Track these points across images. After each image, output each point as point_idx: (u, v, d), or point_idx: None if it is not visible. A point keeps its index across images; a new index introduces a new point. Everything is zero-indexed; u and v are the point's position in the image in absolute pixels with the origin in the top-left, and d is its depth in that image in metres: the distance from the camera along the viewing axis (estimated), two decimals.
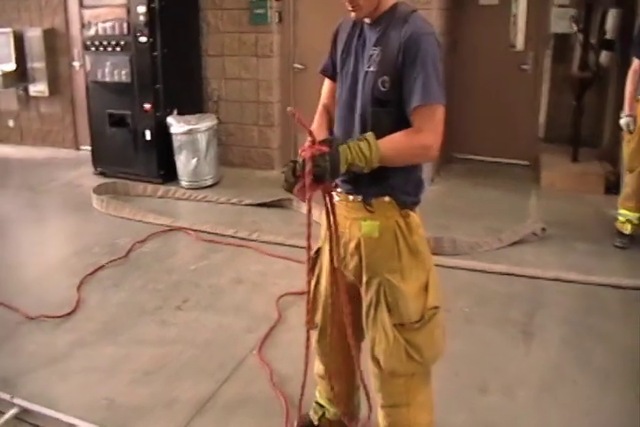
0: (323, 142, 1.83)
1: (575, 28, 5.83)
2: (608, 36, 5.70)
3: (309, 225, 1.91)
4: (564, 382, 2.93)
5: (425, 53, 1.87)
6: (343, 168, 1.81)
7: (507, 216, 5.07)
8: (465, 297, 3.73)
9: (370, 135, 1.85)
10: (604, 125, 6.29)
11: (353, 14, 1.98)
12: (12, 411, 2.71)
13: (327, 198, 1.97)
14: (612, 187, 5.63)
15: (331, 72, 2.19)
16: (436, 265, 3.92)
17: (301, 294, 3.45)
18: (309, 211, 1.91)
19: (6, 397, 2.78)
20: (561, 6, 6.08)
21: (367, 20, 2.00)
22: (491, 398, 2.82)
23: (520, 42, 6.27)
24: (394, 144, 1.87)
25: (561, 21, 5.96)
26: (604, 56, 5.86)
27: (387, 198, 1.98)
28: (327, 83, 2.25)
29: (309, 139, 1.83)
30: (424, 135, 1.88)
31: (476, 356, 3.14)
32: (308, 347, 2.08)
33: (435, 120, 1.90)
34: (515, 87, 6.54)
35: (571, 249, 4.47)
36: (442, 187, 5.98)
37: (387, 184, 1.98)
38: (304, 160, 1.79)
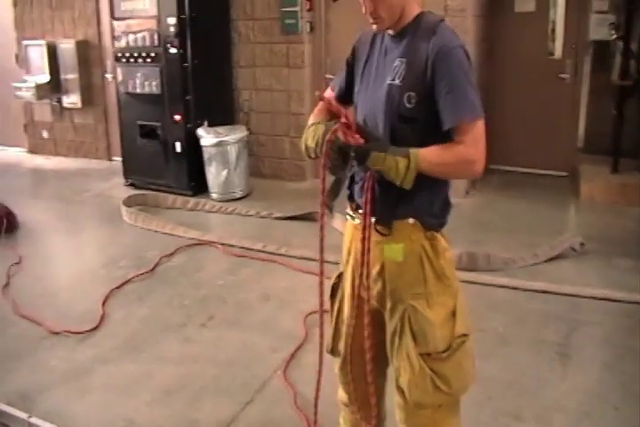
0: (362, 131, 1.72)
1: (615, 35, 5.67)
2: None
3: (322, 216, 1.83)
4: (604, 409, 2.77)
5: (458, 68, 1.76)
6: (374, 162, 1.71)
7: (544, 230, 4.91)
8: (499, 316, 3.59)
9: (415, 154, 1.73)
10: None
11: (375, 26, 1.87)
12: None
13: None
14: None
15: (338, 92, 2.10)
16: (470, 282, 3.84)
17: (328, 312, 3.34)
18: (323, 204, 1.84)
19: (24, 416, 2.76)
20: (600, 13, 5.92)
21: (390, 32, 1.89)
22: (526, 425, 2.67)
23: (558, 50, 6.12)
24: (436, 159, 1.76)
25: (600, 28, 5.81)
26: None
27: (411, 220, 1.86)
28: (330, 94, 2.13)
29: (343, 120, 1.73)
30: (469, 150, 1.77)
31: (511, 379, 3.00)
32: (320, 365, 2.00)
33: (477, 136, 1.79)
34: (553, 96, 6.38)
35: (611, 265, 4.28)
36: (477, 200, 5.84)
37: (411, 206, 1.86)
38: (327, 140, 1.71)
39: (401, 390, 1.93)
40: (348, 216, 2.04)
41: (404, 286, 1.89)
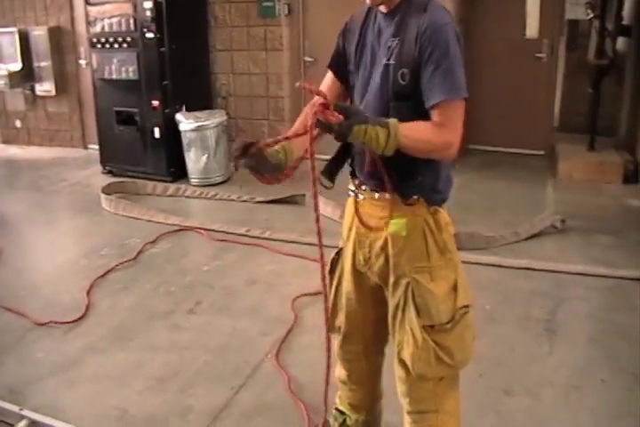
0: (340, 109, 1.70)
1: (591, 15, 5.70)
2: (625, 21, 5.58)
3: (316, 195, 1.81)
4: (591, 382, 2.83)
5: (445, 46, 1.76)
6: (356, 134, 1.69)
7: (524, 209, 4.96)
8: (486, 294, 3.61)
9: (393, 123, 1.72)
10: (621, 114, 6.17)
11: (368, 1, 1.87)
12: (22, 423, 2.64)
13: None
14: (631, 176, 5.54)
15: (338, 69, 2.07)
16: None
17: (317, 294, 3.35)
18: (316, 195, 1.81)
19: (15, 409, 2.71)
20: None
21: (383, 10, 1.88)
22: (516, 399, 2.72)
23: (534, 30, 6.15)
24: (416, 134, 1.76)
25: (576, 8, 5.86)
26: (621, 42, 5.74)
27: (414, 196, 1.88)
28: (329, 76, 2.12)
29: (320, 100, 1.71)
30: (446, 131, 1.77)
31: (500, 356, 3.04)
32: (329, 350, 1.99)
33: (456, 116, 1.79)
34: (530, 76, 6.44)
35: (592, 242, 4.35)
36: (457, 180, 5.70)
37: (416, 182, 1.88)
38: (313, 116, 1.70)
39: (403, 364, 1.96)
40: (350, 192, 2.05)
41: (407, 260, 1.91)
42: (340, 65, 2.05)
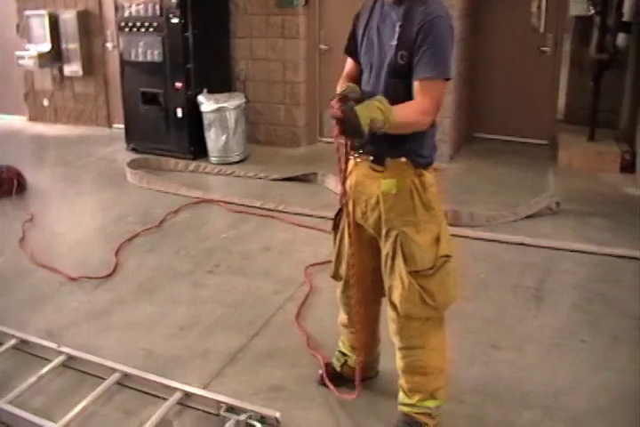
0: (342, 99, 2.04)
1: (592, 11, 5.90)
2: (625, 18, 5.77)
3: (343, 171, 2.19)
4: (572, 342, 3.10)
5: (437, 33, 2.10)
6: (366, 126, 1.97)
7: (523, 193, 5.20)
8: (481, 265, 3.92)
9: (379, 97, 2.07)
10: (621, 106, 6.39)
11: None
12: (60, 358, 2.92)
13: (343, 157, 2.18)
14: (628, 166, 5.74)
15: (353, 52, 2.39)
16: (455, 235, 4.15)
17: (324, 263, 3.62)
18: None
19: (53, 346, 3.00)
20: None
21: (390, 0, 2.21)
22: (503, 353, 3.01)
23: (540, 24, 6.35)
24: (401, 111, 2.07)
25: (579, 4, 6.04)
26: (622, 38, 5.94)
27: (403, 159, 2.21)
28: (349, 61, 2.45)
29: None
30: (424, 102, 2.11)
31: (490, 316, 3.34)
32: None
33: (435, 92, 2.13)
34: (535, 68, 6.64)
35: (585, 223, 4.60)
36: (461, 165, 6.13)
37: (404, 147, 2.21)
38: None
39: (394, 305, 2.28)
40: (350, 157, 2.33)
41: (396, 215, 2.23)
42: (353, 48, 2.39)
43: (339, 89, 2.24)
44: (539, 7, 6.41)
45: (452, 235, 4.03)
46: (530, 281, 3.74)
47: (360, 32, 2.33)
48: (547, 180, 5.73)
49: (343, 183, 2.25)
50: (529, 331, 3.22)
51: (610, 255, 4.05)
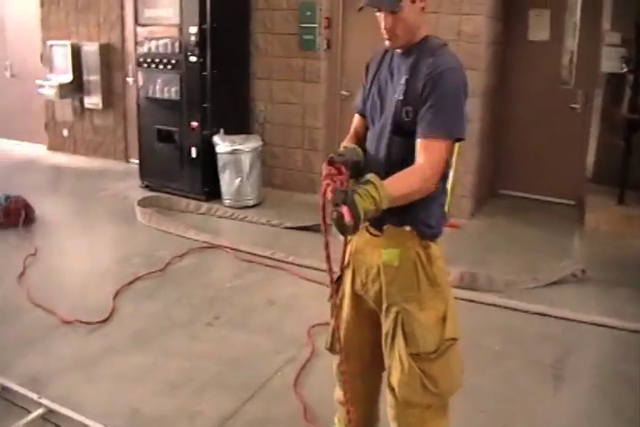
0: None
1: (625, 69, 5.75)
2: None
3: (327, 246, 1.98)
4: None
5: (444, 87, 1.91)
6: (361, 221, 1.76)
7: (546, 256, 4.98)
8: (496, 335, 3.68)
9: (372, 176, 1.82)
10: None
11: (388, 43, 2.03)
12: (39, 411, 2.80)
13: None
14: None
15: (361, 109, 2.23)
16: (470, 301, 3.94)
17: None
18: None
19: (34, 396, 2.88)
20: (611, 45, 5.97)
21: (399, 50, 2.05)
22: None
23: (572, 78, 6.20)
24: (398, 183, 1.86)
25: (611, 61, 5.87)
26: None
27: (407, 228, 2.00)
28: (357, 116, 2.28)
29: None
30: (424, 166, 1.89)
31: (503, 394, 3.10)
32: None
33: (437, 154, 1.90)
34: (563, 125, 6.47)
35: (610, 294, 4.36)
36: (482, 222, 5.93)
37: (408, 215, 1.99)
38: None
39: (392, 389, 2.05)
40: None
41: (398, 290, 2.02)
42: (361, 102, 2.22)
43: (341, 148, 2.07)
44: (570, 61, 6.25)
45: (467, 300, 3.88)
46: (549, 356, 3.49)
47: (367, 85, 2.17)
48: (572, 243, 5.52)
49: (328, 258, 2.01)
50: (545, 414, 2.97)
51: (635, 331, 3.79)
